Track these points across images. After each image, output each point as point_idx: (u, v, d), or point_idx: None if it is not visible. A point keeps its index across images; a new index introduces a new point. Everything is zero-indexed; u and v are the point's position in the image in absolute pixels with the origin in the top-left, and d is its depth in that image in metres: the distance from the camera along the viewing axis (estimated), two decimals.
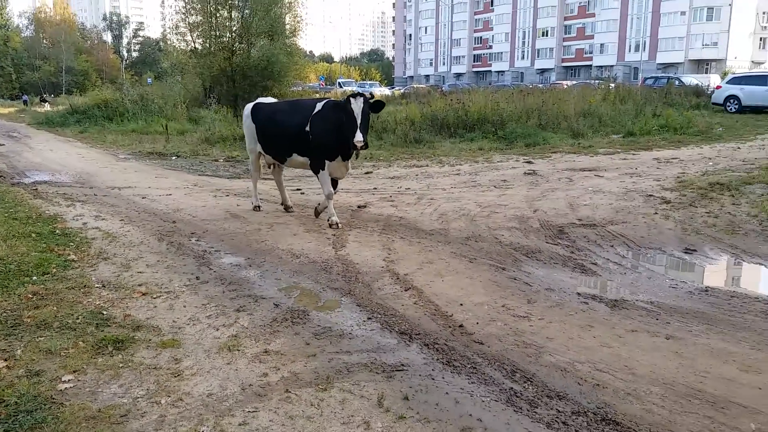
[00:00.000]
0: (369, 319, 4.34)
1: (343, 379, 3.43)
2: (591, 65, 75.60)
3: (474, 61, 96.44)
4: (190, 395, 3.24)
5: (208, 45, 25.89)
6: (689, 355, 3.73)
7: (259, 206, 8.05)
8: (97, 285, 4.97)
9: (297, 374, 3.48)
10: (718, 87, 25.90)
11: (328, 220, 7.11)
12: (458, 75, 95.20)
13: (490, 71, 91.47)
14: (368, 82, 66.21)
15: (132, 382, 3.36)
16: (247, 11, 25.65)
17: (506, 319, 4.32)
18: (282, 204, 8.18)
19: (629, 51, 71.64)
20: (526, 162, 12.10)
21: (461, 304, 4.60)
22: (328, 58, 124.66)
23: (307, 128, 6.97)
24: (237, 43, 25.57)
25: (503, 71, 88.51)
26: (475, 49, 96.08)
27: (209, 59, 24.71)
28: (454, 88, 47.25)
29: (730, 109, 23.78)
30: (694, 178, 9.48)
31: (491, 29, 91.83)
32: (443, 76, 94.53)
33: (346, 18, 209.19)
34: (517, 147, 14.30)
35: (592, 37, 77.36)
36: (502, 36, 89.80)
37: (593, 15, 76.88)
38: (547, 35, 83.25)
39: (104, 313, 4.35)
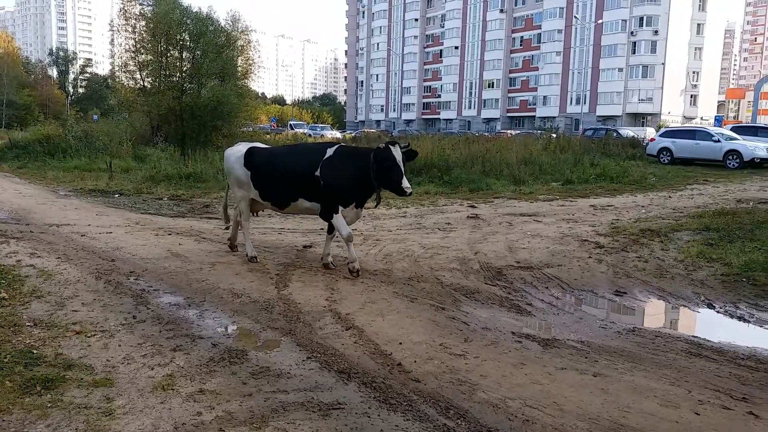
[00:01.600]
0: (308, 358, 4.35)
1: (278, 417, 3.44)
2: (534, 116, 78.60)
3: (423, 109, 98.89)
4: None
5: (157, 84, 25.76)
6: (614, 391, 3.90)
7: (255, 257, 7.37)
8: (28, 323, 4.83)
9: (232, 413, 3.46)
10: (652, 139, 27.33)
11: (348, 266, 6.75)
12: (408, 121, 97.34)
13: (438, 119, 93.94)
14: (320, 125, 66.84)
15: (60, 422, 3.28)
16: (198, 52, 25.76)
17: (443, 358, 4.41)
18: (229, 241, 7.91)
19: (570, 103, 74.99)
20: (470, 206, 12.43)
21: (401, 343, 4.68)
22: (280, 101, 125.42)
23: (317, 173, 6.59)
24: (187, 83, 25.56)
25: (451, 119, 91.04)
26: (424, 97, 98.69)
27: (158, 98, 24.56)
28: (404, 133, 48.27)
29: (663, 161, 25.08)
30: (627, 225, 9.95)
31: (440, 79, 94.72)
32: (393, 122, 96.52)
33: (299, 63, 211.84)
34: (462, 192, 14.67)
35: (535, 89, 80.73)
36: (450, 86, 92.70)
37: (537, 69, 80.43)
38: (493, 86, 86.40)
39: (34, 351, 4.22)
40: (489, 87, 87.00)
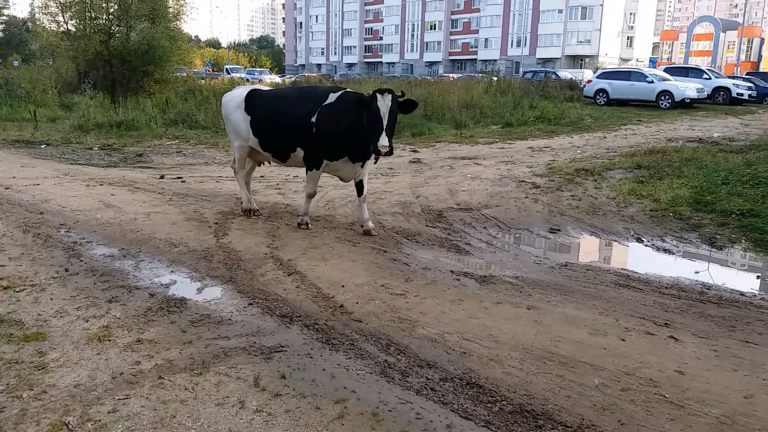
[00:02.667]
0: (250, 304, 4.35)
1: (219, 363, 3.44)
2: (476, 59, 78.56)
3: (365, 52, 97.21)
4: (56, 387, 3.12)
5: (82, 27, 24.20)
6: (547, 322, 4.08)
7: (255, 210, 6.96)
8: None
9: (171, 361, 3.44)
10: (590, 81, 27.87)
11: (298, 218, 6.50)
12: (350, 65, 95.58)
13: (381, 62, 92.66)
14: (258, 69, 64.75)
15: None
16: None
17: (384, 298, 4.49)
18: (246, 207, 6.98)
19: (511, 46, 75.23)
20: (412, 151, 12.46)
21: (343, 286, 4.72)
22: (215, 44, 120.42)
23: (313, 119, 5.97)
24: (115, 26, 24.11)
25: (394, 63, 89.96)
26: (366, 40, 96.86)
27: (84, 42, 23.13)
28: (346, 77, 47.46)
29: (600, 102, 25.68)
30: (562, 165, 10.21)
31: (381, 21, 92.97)
32: (335, 66, 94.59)
33: (235, 3, 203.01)
34: (405, 137, 14.65)
35: (477, 31, 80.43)
36: (392, 28, 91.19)
37: (478, 10, 79.90)
38: (435, 29, 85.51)
39: None
40: (431, 29, 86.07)
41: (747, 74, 38.61)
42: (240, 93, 6.81)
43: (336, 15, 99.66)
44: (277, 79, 48.85)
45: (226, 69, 55.13)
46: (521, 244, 6.27)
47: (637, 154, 11.15)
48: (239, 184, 7.08)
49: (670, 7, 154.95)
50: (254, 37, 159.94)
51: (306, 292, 4.60)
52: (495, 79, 29.18)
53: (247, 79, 39.75)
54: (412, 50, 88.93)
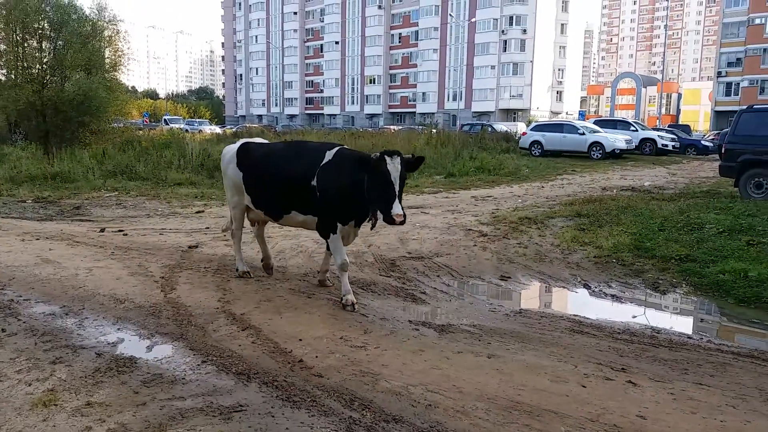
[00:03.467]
0: (204, 362, 4.17)
1: (176, 425, 3.27)
2: (415, 112, 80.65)
3: (307, 104, 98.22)
4: None
5: (13, 76, 23.49)
6: (508, 370, 4.10)
7: (248, 272, 6.42)
8: None
9: (125, 425, 3.24)
10: (524, 133, 29.02)
11: (342, 300, 5.48)
12: (291, 116, 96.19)
13: (322, 114, 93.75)
14: (197, 120, 64.24)
15: None
16: (60, 42, 23.77)
17: (344, 351, 4.41)
18: (262, 261, 6.63)
19: (448, 99, 77.70)
20: None
21: (301, 340, 4.62)
22: (152, 94, 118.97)
23: (313, 182, 5.41)
24: (49, 76, 23.51)
25: (335, 114, 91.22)
26: (307, 92, 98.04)
27: (15, 91, 22.38)
28: (288, 128, 47.65)
29: (535, 153, 26.68)
30: (506, 214, 10.48)
31: (322, 74, 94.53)
32: (276, 117, 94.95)
33: (173, 55, 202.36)
34: None
35: (415, 86, 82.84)
36: (333, 81, 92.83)
37: (415, 66, 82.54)
38: (374, 82, 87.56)
39: None
40: (371, 83, 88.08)
41: (669, 126, 41.21)
42: (233, 147, 6.36)
43: (276, 68, 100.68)
44: (217, 130, 48.56)
45: (165, 120, 54.37)
46: (475, 292, 6.34)
47: (576, 203, 11.57)
48: (234, 247, 6.53)
49: (594, 63, 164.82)
50: (193, 88, 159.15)
51: (262, 348, 4.47)
52: (434, 131, 30.00)
53: (187, 130, 39.31)
54: (352, 103, 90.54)
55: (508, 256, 7.66)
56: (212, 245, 8.09)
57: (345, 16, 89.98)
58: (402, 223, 4.85)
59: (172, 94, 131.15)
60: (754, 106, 13.89)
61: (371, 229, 5.51)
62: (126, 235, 8.78)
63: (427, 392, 3.74)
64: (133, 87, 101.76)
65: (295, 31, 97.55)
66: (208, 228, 9.35)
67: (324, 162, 5.42)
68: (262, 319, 5.09)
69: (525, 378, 3.98)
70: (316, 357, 4.29)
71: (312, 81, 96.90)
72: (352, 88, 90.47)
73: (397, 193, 4.86)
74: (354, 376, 3.97)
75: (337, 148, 5.53)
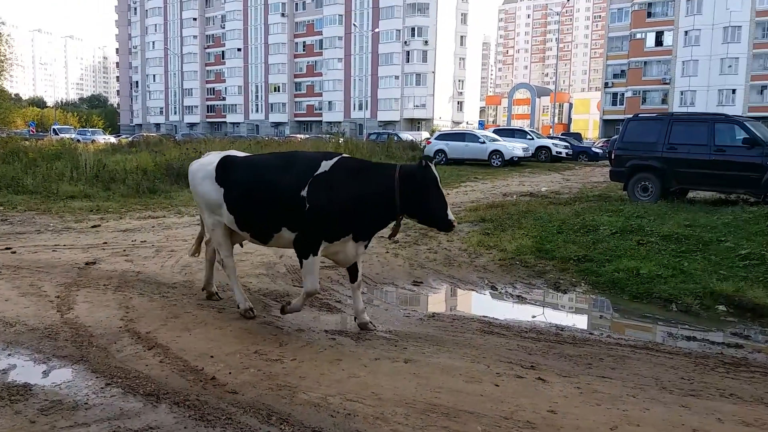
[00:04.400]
0: (108, 385, 3.93)
1: None
2: (321, 120, 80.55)
3: (208, 112, 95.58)
4: None
5: None
6: (425, 374, 4.16)
7: (251, 309, 5.50)
8: None
9: None
10: (429, 142, 29.71)
11: (287, 310, 5.20)
12: (192, 125, 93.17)
13: (225, 122, 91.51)
14: (90, 129, 60.70)
15: None
16: None
17: (259, 365, 4.30)
18: (204, 288, 6.00)
19: (354, 109, 78.27)
20: None
21: (212, 357, 4.45)
22: (39, 103, 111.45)
23: (303, 193, 4.85)
24: None
25: (238, 123, 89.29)
26: (208, 99, 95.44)
27: None
28: (189, 137, 46.08)
29: (439, 161, 27.37)
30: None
31: (224, 81, 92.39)
32: (176, 126, 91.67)
33: (62, 61, 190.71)
34: None
35: (321, 94, 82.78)
36: (235, 89, 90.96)
37: (321, 74, 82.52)
38: (279, 90, 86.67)
39: None
40: (275, 91, 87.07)
41: (562, 134, 43.63)
42: (210, 161, 5.56)
43: (175, 75, 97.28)
44: (112, 139, 46.20)
45: (54, 129, 51.04)
46: (389, 298, 6.40)
47: (480, 209, 11.97)
48: (230, 279, 5.61)
49: (492, 74, 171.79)
50: (84, 96, 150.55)
51: (171, 367, 4.27)
52: (342, 140, 30.10)
53: (78, 140, 37.13)
54: (257, 111, 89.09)
55: (419, 262, 7.80)
56: (111, 261, 7.66)
57: (247, 23, 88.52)
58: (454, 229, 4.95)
59: (62, 102, 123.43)
60: (639, 115, 15.00)
61: (390, 238, 5.26)
62: (14, 252, 8.13)
63: (345, 401, 3.72)
64: (16, 94, 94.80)
65: (194, 37, 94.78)
66: (105, 243, 8.84)
67: (319, 172, 4.88)
68: (169, 336, 4.87)
69: (441, 380, 4.05)
70: (230, 373, 4.15)
71: (213, 88, 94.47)
72: (256, 96, 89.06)
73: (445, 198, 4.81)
74: (271, 391, 3.88)
75: (337, 158, 4.99)
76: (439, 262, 7.80)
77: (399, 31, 74.23)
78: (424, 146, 29.96)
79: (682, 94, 57.22)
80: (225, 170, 5.36)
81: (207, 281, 6.00)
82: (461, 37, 77.15)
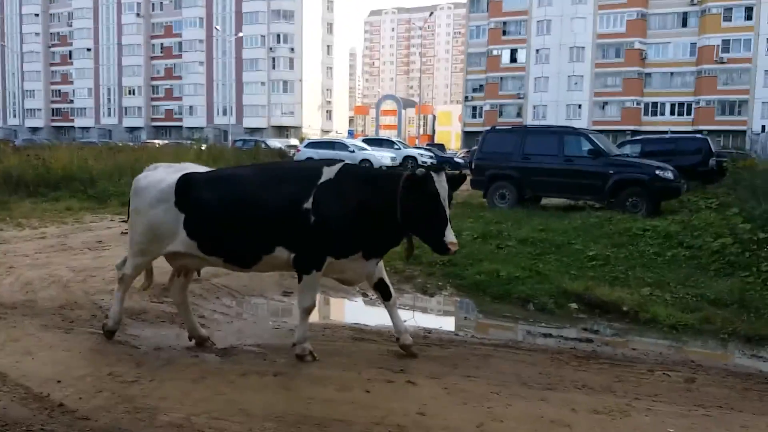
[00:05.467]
0: None
1: None
2: (182, 126, 77.11)
3: (53, 115, 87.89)
4: None
5: None
6: (295, 386, 4.06)
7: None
8: None
9: None
10: (298, 150, 29.56)
11: (295, 347, 4.56)
12: (34, 129, 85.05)
13: (73, 127, 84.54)
14: None
15: None
16: None
17: (114, 388, 3.96)
18: (192, 336, 4.91)
19: (218, 114, 75.81)
20: (123, 221, 11.48)
21: (59, 381, 4.03)
22: None
23: (307, 205, 4.34)
24: None
25: (89, 127, 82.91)
26: (53, 102, 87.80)
27: None
28: (31, 142, 42.09)
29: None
30: None
31: (71, 83, 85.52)
32: (15, 130, 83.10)
33: None
34: (112, 206, 13.46)
35: (181, 99, 79.25)
36: (85, 91, 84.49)
37: (180, 78, 79.08)
38: (134, 94, 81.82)
39: None
40: (130, 94, 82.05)
41: (427, 145, 45.41)
42: (160, 178, 4.68)
43: (14, 75, 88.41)
44: None
45: None
46: (258, 310, 6.21)
47: None
48: (117, 296, 4.89)
49: (359, 85, 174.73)
50: None
51: (11, 395, 3.81)
52: (204, 146, 29.00)
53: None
54: (109, 115, 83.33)
55: (290, 272, 7.63)
56: None
57: (98, 22, 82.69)
58: (454, 252, 4.31)
59: None
60: (496, 127, 15.95)
61: (407, 260, 4.76)
62: None
63: (211, 420, 3.53)
64: None
65: (37, 34, 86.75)
66: None
67: (323, 180, 4.41)
68: (8, 362, 4.35)
69: (312, 391, 3.98)
70: (80, 399, 3.78)
71: (60, 90, 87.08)
72: (109, 99, 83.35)
73: (448, 217, 4.18)
74: (127, 414, 3.58)
75: (340, 165, 4.55)
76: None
77: (264, 37, 73.11)
78: (294, 154, 29.76)
79: (534, 108, 61.68)
80: (187, 192, 4.54)
81: (191, 327, 4.92)
82: (328, 46, 77.63)
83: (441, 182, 4.16)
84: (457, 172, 4.53)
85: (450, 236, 4.13)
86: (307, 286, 4.51)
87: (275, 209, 4.38)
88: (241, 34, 71.96)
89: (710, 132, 45.91)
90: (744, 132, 49.21)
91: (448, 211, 4.17)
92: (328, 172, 4.43)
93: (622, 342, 5.59)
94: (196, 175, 4.68)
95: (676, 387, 4.28)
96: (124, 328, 5.24)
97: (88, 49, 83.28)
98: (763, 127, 35.02)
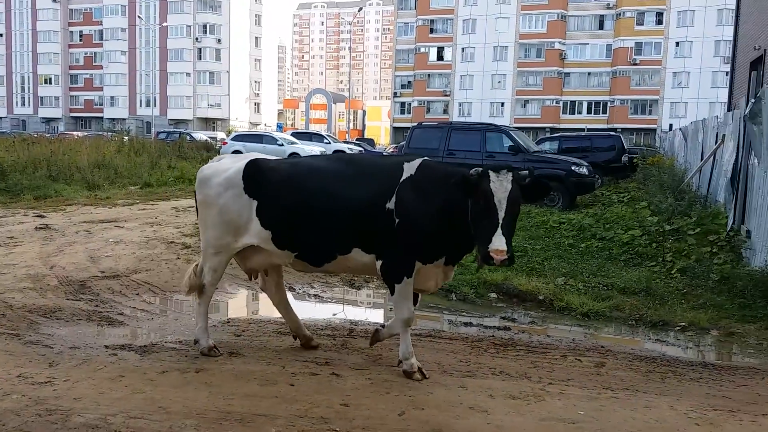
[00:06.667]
0: None
1: None
2: (103, 117, 73.84)
3: None
4: None
5: None
6: (217, 382, 4.01)
7: (215, 348, 4.54)
8: None
9: None
10: (225, 143, 28.93)
11: (402, 365, 4.21)
12: None
13: None
14: None
15: None
16: None
17: (24, 390, 3.79)
18: (296, 336, 4.77)
19: (141, 105, 73.08)
20: (37, 216, 10.93)
21: None
22: None
23: (390, 205, 4.03)
24: None
25: (0, 117, 78.01)
26: None
27: None
28: None
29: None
30: None
31: None
32: None
33: None
34: (25, 200, 12.79)
35: (101, 89, 75.83)
36: None
37: (101, 67, 75.63)
38: (50, 83, 77.54)
39: None
40: (46, 83, 77.71)
41: (357, 140, 45.47)
42: (229, 167, 4.46)
43: None
44: None
45: None
46: (181, 307, 6.08)
47: None
48: (199, 310, 4.58)
49: (289, 78, 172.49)
50: None
51: None
52: (127, 138, 27.93)
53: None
54: (23, 104, 78.66)
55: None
56: None
57: (10, 6, 77.73)
58: (505, 263, 3.68)
59: None
60: (423, 123, 16.21)
61: (477, 269, 4.27)
62: None
63: (129, 419, 3.44)
64: None
65: None
66: None
67: (405, 177, 4.08)
68: None
69: (235, 386, 3.95)
70: None
71: None
72: (23, 88, 78.65)
73: (501, 221, 3.65)
74: (38, 417, 3.44)
75: (420, 160, 4.19)
76: (234, 266, 7.43)
77: (190, 26, 70.92)
78: (220, 147, 29.11)
79: (460, 105, 62.87)
80: (257, 177, 4.31)
81: (295, 326, 4.77)
82: (256, 38, 76.23)
83: (501, 182, 3.68)
84: (529, 174, 3.90)
85: (496, 243, 3.61)
86: (401, 296, 4.13)
87: (355, 205, 4.08)
88: (165, 24, 69.55)
89: (623, 130, 48.69)
90: (654, 130, 52.04)
91: (501, 215, 3.64)
92: (409, 168, 4.11)
93: (538, 330, 5.85)
94: (266, 161, 4.47)
95: (587, 371, 4.52)
96: (37, 328, 5.03)
97: (0, 35, 78.20)
98: (671, 125, 37.23)
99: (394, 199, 4.01)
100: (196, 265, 4.69)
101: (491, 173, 3.68)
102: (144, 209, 12.33)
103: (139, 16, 69.98)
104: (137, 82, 73.87)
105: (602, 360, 4.78)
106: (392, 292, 4.16)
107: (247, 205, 4.28)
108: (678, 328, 5.78)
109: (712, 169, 11.12)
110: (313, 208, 4.15)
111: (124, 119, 70.74)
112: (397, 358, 4.26)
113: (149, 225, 10.21)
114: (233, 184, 4.32)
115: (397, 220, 3.99)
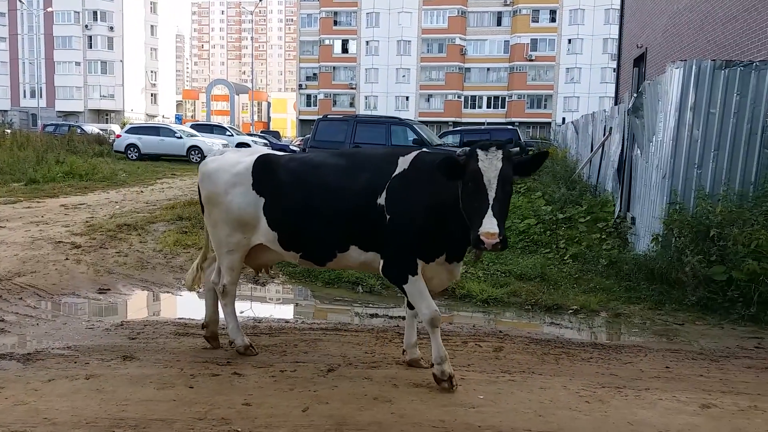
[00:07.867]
0: None
1: None
2: None
3: None
4: None
5: None
6: (110, 389, 3.80)
7: (251, 347, 4.47)
8: None
9: None
10: (118, 136, 27.43)
11: (434, 369, 3.94)
12: None
13: None
14: None
15: None
16: None
17: None
18: (207, 327, 4.67)
19: (25, 96, 68.05)
20: None
21: None
22: None
23: (380, 200, 3.84)
24: None
25: None
26: None
27: None
28: None
29: (132, 157, 25.46)
30: (102, 222, 9.73)
31: None
32: None
33: None
34: None
35: None
36: None
37: None
38: None
39: None
40: None
41: (261, 132, 44.53)
42: (237, 161, 4.27)
43: None
44: None
45: None
46: (69, 310, 5.70)
47: (177, 206, 11.49)
48: (227, 310, 4.47)
49: (188, 68, 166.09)
50: None
51: None
52: (9, 131, 25.86)
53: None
54: None
55: (107, 267, 7.13)
56: None
57: None
58: (498, 247, 3.31)
59: None
60: (328, 116, 16.13)
61: (475, 260, 4.12)
62: None
63: None
64: None
65: None
66: None
67: (397, 172, 3.89)
68: None
69: (129, 392, 3.76)
70: None
71: None
72: None
73: (491, 201, 3.35)
74: None
75: (415, 153, 3.98)
76: (130, 266, 7.24)
77: (78, 13, 66.71)
78: (114, 140, 27.62)
79: (366, 98, 63.17)
80: (266, 174, 4.16)
81: (211, 319, 4.63)
82: (152, 26, 72.87)
83: (490, 159, 3.41)
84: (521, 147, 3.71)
85: (487, 225, 3.29)
86: (415, 297, 3.90)
87: (349, 200, 3.96)
88: (50, 9, 64.91)
89: (521, 123, 50.92)
90: (549, 123, 54.71)
91: (492, 194, 3.35)
92: (403, 162, 3.94)
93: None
94: (275, 157, 4.33)
95: (486, 356, 4.68)
96: None
97: None
98: (563, 119, 39.28)
99: (384, 194, 3.88)
100: (200, 260, 4.76)
101: (479, 152, 3.44)
102: (29, 207, 11.48)
103: (20, 1, 64.92)
104: (20, 71, 68.62)
105: (500, 344, 4.96)
106: (405, 295, 4.05)
107: (254, 202, 4.18)
108: (570, 311, 6.10)
109: (601, 160, 11.81)
110: (311, 206, 4.06)
111: (6, 111, 65.48)
112: (431, 362, 4.02)
113: (34, 224, 9.52)
114: (242, 180, 4.21)
115: (388, 217, 3.86)
